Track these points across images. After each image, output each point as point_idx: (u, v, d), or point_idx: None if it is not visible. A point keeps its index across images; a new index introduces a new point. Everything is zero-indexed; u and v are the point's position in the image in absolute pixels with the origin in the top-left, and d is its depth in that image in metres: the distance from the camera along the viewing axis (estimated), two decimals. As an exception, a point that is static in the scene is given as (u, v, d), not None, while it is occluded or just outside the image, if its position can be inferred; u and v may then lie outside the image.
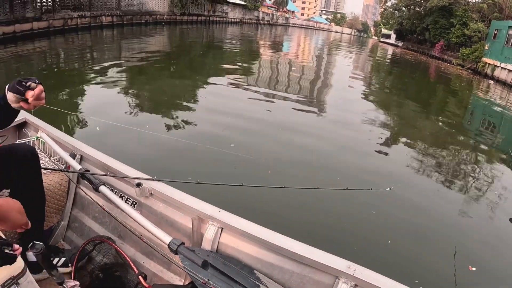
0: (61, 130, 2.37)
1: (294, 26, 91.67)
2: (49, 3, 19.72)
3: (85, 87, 9.04)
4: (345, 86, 12.88)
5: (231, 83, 10.25)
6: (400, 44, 55.18)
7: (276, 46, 27.98)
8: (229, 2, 50.76)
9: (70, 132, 4.94)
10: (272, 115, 7.62)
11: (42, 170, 1.74)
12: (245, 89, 9.77)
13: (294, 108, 8.66)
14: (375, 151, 6.30)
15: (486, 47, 25.82)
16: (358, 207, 3.78)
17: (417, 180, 5.24)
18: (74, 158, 2.01)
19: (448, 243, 3.57)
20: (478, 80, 23.89)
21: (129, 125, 5.42)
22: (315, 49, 32.49)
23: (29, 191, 1.43)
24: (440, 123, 9.74)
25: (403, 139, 7.59)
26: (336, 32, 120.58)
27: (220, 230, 1.48)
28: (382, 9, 60.88)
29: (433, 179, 5.40)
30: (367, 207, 3.78)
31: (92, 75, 10.66)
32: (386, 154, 6.33)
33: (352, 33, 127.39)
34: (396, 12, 53.29)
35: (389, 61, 32.43)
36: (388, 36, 67.85)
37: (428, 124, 9.39)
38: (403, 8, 49.75)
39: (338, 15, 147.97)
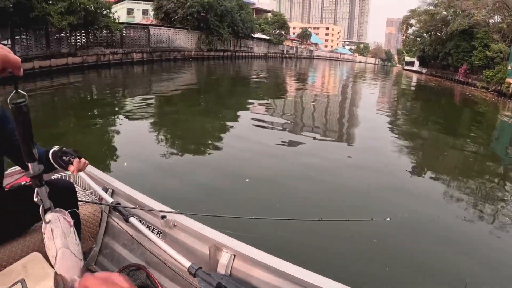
0: (92, 164, 2.49)
1: (318, 58, 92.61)
2: (83, 40, 21.49)
3: (116, 120, 9.59)
4: (370, 116, 12.45)
5: (256, 117, 10.36)
6: (424, 70, 54.36)
7: (301, 79, 28.20)
8: (254, 37, 52.91)
9: (101, 165, 5.43)
10: (289, 147, 7.73)
11: (78, 201, 1.98)
12: (269, 121, 9.85)
13: (314, 138, 8.63)
14: (402, 177, 6.32)
15: (509, 67, 25.25)
16: (360, 237, 3.91)
17: (429, 209, 5.05)
18: (106, 192, 2.29)
19: (457, 275, 3.48)
20: (503, 102, 23.11)
21: (155, 160, 5.97)
22: (340, 80, 32.38)
23: None
24: (461, 148, 9.45)
25: (421, 168, 7.41)
26: (360, 62, 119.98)
27: (233, 256, 1.68)
28: (404, 37, 60.88)
29: (447, 207, 5.28)
30: (370, 237, 3.90)
31: (122, 109, 11.21)
32: (407, 181, 6.29)
33: (376, 62, 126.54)
34: (418, 38, 53.07)
35: (413, 88, 31.89)
36: (412, 64, 66.93)
37: (447, 150, 9.19)
38: (424, 34, 49.59)
39: (361, 45, 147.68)
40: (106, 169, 5.44)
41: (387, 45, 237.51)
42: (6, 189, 1.82)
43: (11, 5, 16.19)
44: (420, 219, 4.58)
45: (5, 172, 2.02)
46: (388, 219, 3.03)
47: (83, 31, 22.32)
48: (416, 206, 4.98)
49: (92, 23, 22.14)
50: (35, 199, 1.23)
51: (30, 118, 1.07)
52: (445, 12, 42.26)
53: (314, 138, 8.56)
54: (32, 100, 12.23)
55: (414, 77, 47.81)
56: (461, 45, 36.57)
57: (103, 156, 6.09)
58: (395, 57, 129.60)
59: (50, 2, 19.94)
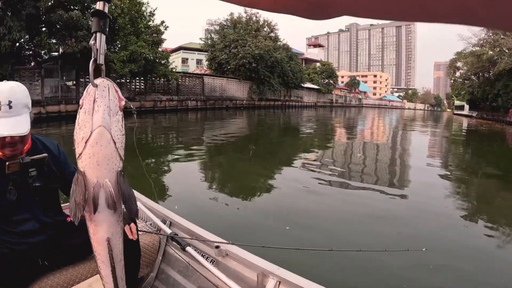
0: (149, 198, 2.94)
1: (367, 106, 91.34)
2: (142, 86, 22.20)
3: (170, 161, 9.95)
4: (419, 163, 11.89)
5: (305, 162, 10.33)
6: (474, 114, 51.62)
7: (350, 127, 27.44)
8: (303, 87, 53.30)
9: (158, 200, 5.64)
10: (334, 187, 7.75)
11: (138, 231, 2.12)
12: (317, 166, 9.76)
13: (361, 182, 8.42)
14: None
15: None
16: (398, 268, 3.83)
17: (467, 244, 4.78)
18: (164, 223, 2.52)
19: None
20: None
21: (207, 197, 6.46)
22: (389, 127, 31.19)
23: (128, 248, 1.59)
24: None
25: (467, 209, 6.86)
26: (409, 109, 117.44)
27: (278, 283, 1.83)
28: (452, 80, 58.93)
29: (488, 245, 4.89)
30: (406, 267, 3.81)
31: (176, 152, 11.44)
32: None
33: (426, 108, 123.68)
34: (466, 81, 50.75)
35: (464, 133, 29.64)
36: (462, 108, 65.00)
37: (499, 194, 8.42)
38: (472, 76, 47.32)
39: (410, 91, 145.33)
40: (163, 203, 5.65)
41: (436, 90, 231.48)
42: (68, 221, 1.98)
43: (78, 52, 17.12)
44: (457, 252, 4.46)
45: (63, 205, 2.12)
46: (423, 249, 3.04)
47: (142, 78, 23.18)
48: (453, 238, 4.93)
49: (151, 71, 23.13)
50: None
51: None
52: (491, 52, 40.51)
53: (361, 182, 8.50)
54: None
55: (465, 122, 44.93)
56: (510, 85, 34.34)
57: (159, 192, 6.44)
58: (445, 101, 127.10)
59: (114, 50, 21.13)
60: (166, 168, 9.24)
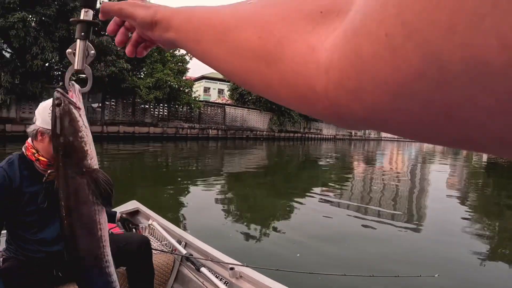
0: (164, 217, 2.98)
1: (386, 140, 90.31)
2: (165, 113, 22.31)
3: (188, 187, 10.00)
4: (439, 195, 11.72)
5: (322, 194, 10.22)
6: None
7: (369, 160, 27.10)
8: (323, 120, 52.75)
9: (174, 221, 5.49)
10: (349, 217, 7.76)
11: (153, 250, 2.19)
12: (335, 199, 9.76)
13: (377, 214, 8.40)
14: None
15: None
16: None
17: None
18: (180, 244, 2.56)
19: None
20: None
21: (222, 221, 6.57)
22: (409, 161, 30.75)
23: (142, 268, 1.92)
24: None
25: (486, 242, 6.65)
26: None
27: None
28: None
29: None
30: None
31: (194, 178, 11.46)
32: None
33: None
34: None
35: (483, 165, 28.93)
36: None
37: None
38: None
39: None
40: (179, 224, 5.77)
41: None
42: None
43: (106, 76, 17.38)
44: (470, 279, 4.51)
45: None
46: (436, 275, 3.03)
47: (165, 105, 23.33)
48: (466, 265, 4.99)
49: (174, 99, 23.28)
50: None
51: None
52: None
53: (377, 213, 8.49)
54: (114, 160, 13.60)
55: (484, 155, 43.62)
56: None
57: (176, 213, 6.68)
58: None
59: (140, 76, 21.48)
60: (185, 191, 9.36)
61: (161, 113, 23.05)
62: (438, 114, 0.19)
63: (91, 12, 0.72)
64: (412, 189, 13.07)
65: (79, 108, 0.86)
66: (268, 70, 0.31)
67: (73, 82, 0.85)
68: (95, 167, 0.90)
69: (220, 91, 50.05)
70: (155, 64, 22.17)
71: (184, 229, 5.54)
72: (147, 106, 21.65)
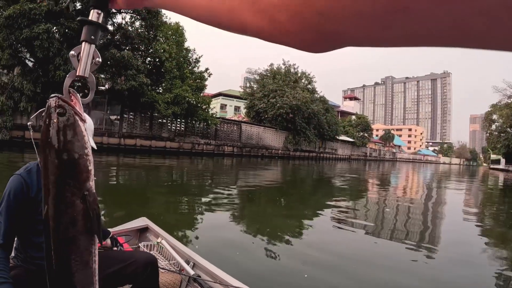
0: (174, 235, 2.99)
1: (401, 161, 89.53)
2: (182, 128, 22.43)
3: (202, 203, 9.95)
4: (454, 219, 11.51)
5: (336, 216, 10.15)
6: (511, 168, 49.09)
7: (384, 181, 26.72)
8: (338, 139, 52.55)
9: (183, 240, 5.82)
10: (361, 243, 7.43)
11: (160, 269, 2.19)
12: (349, 222, 9.55)
13: (391, 238, 8.17)
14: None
15: None
16: None
17: None
18: (188, 264, 2.52)
19: None
20: None
21: (232, 240, 6.38)
22: (423, 182, 30.27)
23: (148, 285, 1.92)
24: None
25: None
26: (444, 163, 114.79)
27: None
28: (488, 134, 57.08)
29: None
30: None
31: (207, 194, 11.46)
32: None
33: (461, 163, 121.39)
34: (502, 134, 48.68)
35: (500, 188, 28.22)
36: (498, 162, 63.38)
37: None
38: (508, 129, 45.49)
39: (445, 145, 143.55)
40: (188, 242, 5.77)
41: (471, 143, 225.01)
42: None
43: (126, 90, 17.62)
44: None
45: None
46: None
47: (183, 120, 23.47)
48: None
49: (192, 115, 23.41)
50: None
51: None
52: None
53: (390, 235, 8.30)
54: (130, 172, 13.74)
55: (501, 176, 42.48)
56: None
57: (186, 230, 6.56)
58: (481, 155, 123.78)
59: (159, 91, 21.74)
60: (197, 207, 9.29)
61: (178, 128, 23.21)
62: (384, 13, 0.21)
63: (102, 15, 0.65)
64: (426, 212, 12.74)
65: (84, 121, 0.74)
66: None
67: (73, 90, 0.73)
68: (94, 191, 0.75)
69: (237, 108, 50.47)
70: (174, 80, 22.43)
71: (193, 247, 5.53)
72: (164, 121, 21.83)
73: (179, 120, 23.43)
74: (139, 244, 2.88)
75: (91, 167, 0.73)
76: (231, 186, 14.32)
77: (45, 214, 0.74)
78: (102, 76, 20.85)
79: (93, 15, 0.64)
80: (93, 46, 0.66)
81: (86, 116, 0.75)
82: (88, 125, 1.82)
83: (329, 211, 10.74)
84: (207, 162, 22.85)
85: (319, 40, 0.27)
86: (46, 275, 1.70)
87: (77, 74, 0.67)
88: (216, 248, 5.82)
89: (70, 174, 0.71)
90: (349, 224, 8.99)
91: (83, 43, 0.65)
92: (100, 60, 0.68)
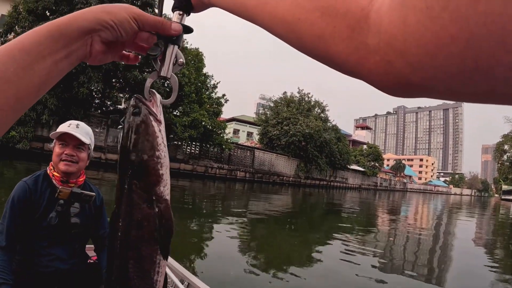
0: (174, 257, 2.90)
1: (411, 191, 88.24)
2: (196, 151, 22.75)
3: (209, 225, 10.12)
4: (467, 252, 11.50)
5: (345, 248, 10.14)
6: None
7: (394, 212, 26.61)
8: (349, 168, 52.30)
9: (183, 259, 5.80)
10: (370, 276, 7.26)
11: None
12: (357, 252, 9.55)
13: (401, 273, 8.09)
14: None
15: None
16: None
17: None
18: (182, 284, 2.45)
19: None
20: None
21: (234, 264, 6.43)
22: (434, 214, 30.02)
23: None
24: None
25: None
26: (455, 194, 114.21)
27: None
28: (499, 164, 56.16)
29: None
30: None
31: (216, 217, 11.63)
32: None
33: (472, 194, 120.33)
34: None
35: (510, 221, 28.02)
36: (509, 193, 62.97)
37: None
38: None
39: (456, 176, 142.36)
40: (186, 263, 5.73)
41: (483, 174, 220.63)
42: (87, 261, 2.17)
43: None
44: None
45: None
46: None
47: (198, 143, 23.84)
48: None
49: (207, 139, 23.81)
50: None
51: None
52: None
53: (400, 270, 8.17)
54: None
55: None
56: None
57: (185, 252, 6.50)
58: (492, 186, 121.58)
59: (177, 114, 22.25)
60: (204, 230, 9.44)
61: (193, 151, 23.54)
62: (470, 70, 0.23)
63: (185, 17, 0.67)
64: (437, 244, 12.81)
65: (160, 122, 0.70)
66: (321, 21, 0.35)
67: (154, 90, 0.72)
68: (167, 197, 0.71)
69: (249, 134, 50.94)
70: (192, 104, 22.97)
71: (192, 268, 5.68)
72: (180, 143, 22.20)
73: (194, 143, 23.80)
74: None
75: (163, 171, 0.68)
76: (242, 210, 14.62)
77: (112, 212, 0.72)
78: (121, 95, 21.53)
79: (175, 17, 0.66)
80: (176, 47, 0.67)
81: (162, 119, 0.70)
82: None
83: (339, 241, 10.76)
84: (219, 186, 23.02)
85: (400, 86, 0.29)
86: (42, 278, 1.83)
87: (159, 75, 0.67)
88: (218, 270, 5.91)
89: (138, 176, 0.67)
90: (358, 256, 8.96)
91: (168, 45, 0.67)
92: (184, 61, 0.69)
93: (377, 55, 0.29)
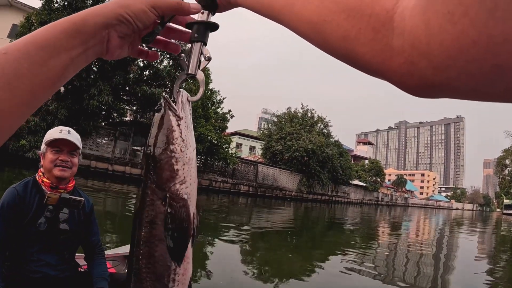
0: None
1: (413, 206, 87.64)
2: (201, 165, 23.10)
3: (210, 239, 10.00)
4: (469, 269, 11.61)
5: (345, 261, 10.27)
6: None
7: (395, 227, 26.60)
8: (351, 183, 52.50)
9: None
10: None
11: None
12: (357, 271, 9.56)
13: None
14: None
15: None
16: None
17: None
18: None
19: None
20: None
21: (236, 280, 6.32)
22: (436, 229, 29.70)
23: None
24: None
25: None
26: (457, 209, 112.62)
27: None
28: (500, 179, 56.17)
29: None
30: None
31: (219, 231, 11.65)
32: None
33: (474, 208, 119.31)
34: None
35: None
36: (511, 207, 62.67)
37: None
38: None
39: (458, 191, 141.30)
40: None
41: (485, 188, 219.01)
42: (78, 270, 2.20)
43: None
44: None
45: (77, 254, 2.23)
46: None
47: (203, 157, 24.22)
48: None
49: (212, 153, 24.21)
50: None
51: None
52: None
53: (402, 282, 8.18)
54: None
55: None
56: None
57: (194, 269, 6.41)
58: (494, 201, 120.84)
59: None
60: (207, 244, 9.35)
61: (197, 164, 24.00)
62: (489, 72, 0.24)
63: (206, 14, 0.69)
64: (439, 260, 12.78)
65: (179, 117, 0.68)
66: (346, 23, 0.35)
67: (181, 89, 0.71)
68: (184, 196, 0.65)
69: (252, 148, 51.32)
70: (199, 119, 23.45)
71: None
72: (186, 157, 22.63)
73: (199, 157, 24.19)
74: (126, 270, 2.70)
75: (178, 167, 0.64)
76: (244, 224, 14.64)
77: (136, 207, 0.69)
78: (127, 107, 22.01)
79: (200, 16, 0.68)
80: (201, 44, 0.68)
81: (182, 114, 0.67)
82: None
83: (340, 257, 10.81)
84: (222, 200, 23.19)
85: (423, 87, 0.31)
86: (31, 284, 1.86)
87: (186, 72, 0.67)
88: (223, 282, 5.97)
89: (152, 170, 0.65)
90: (359, 271, 9.00)
91: (192, 43, 0.68)
92: (211, 56, 0.68)
93: (401, 56, 0.30)
